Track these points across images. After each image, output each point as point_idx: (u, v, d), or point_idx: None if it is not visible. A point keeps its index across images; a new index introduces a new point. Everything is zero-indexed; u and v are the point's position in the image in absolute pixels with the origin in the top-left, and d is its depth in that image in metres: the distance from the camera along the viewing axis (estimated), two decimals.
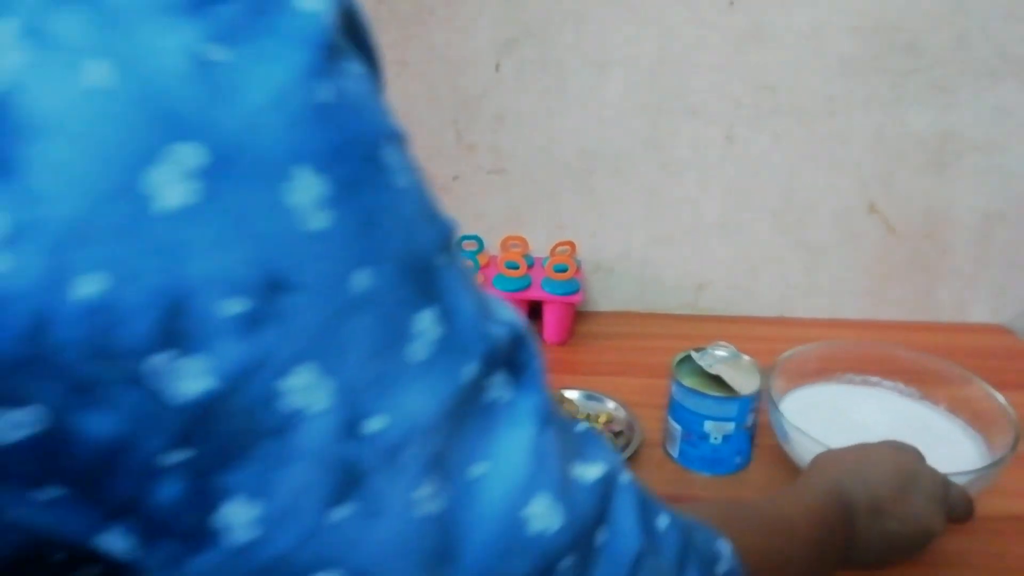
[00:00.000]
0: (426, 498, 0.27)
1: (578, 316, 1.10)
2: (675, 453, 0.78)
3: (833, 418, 0.77)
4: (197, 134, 0.22)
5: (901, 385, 0.82)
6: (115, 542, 0.26)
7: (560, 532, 0.29)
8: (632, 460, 0.78)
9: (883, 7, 0.93)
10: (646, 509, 0.34)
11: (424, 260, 0.27)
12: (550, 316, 1.03)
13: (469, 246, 1.10)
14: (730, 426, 0.74)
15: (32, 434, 0.23)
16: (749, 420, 0.75)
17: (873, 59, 0.96)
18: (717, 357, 0.77)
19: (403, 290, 0.26)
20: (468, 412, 0.28)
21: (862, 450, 0.59)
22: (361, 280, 0.25)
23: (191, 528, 0.25)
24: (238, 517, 0.25)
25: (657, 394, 0.86)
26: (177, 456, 0.24)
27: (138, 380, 0.23)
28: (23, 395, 0.22)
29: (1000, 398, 0.73)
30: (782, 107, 1.00)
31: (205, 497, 0.25)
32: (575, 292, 1.01)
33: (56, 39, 0.21)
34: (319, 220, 0.24)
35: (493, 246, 1.11)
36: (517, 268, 1.01)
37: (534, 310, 1.05)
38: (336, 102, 0.24)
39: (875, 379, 0.83)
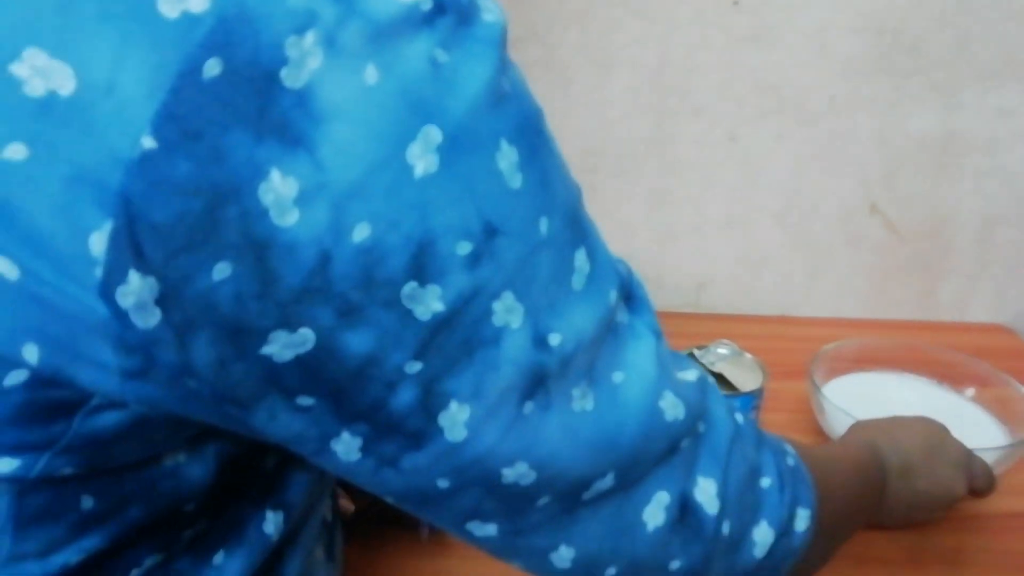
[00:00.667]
0: (579, 397, 0.33)
1: None
2: None
3: (870, 405, 0.79)
4: (437, 118, 0.28)
5: (932, 378, 0.87)
6: (342, 449, 0.31)
7: (684, 420, 0.37)
8: None
9: (886, 8, 0.94)
10: (729, 405, 0.42)
11: (575, 209, 0.34)
12: None
13: None
14: None
15: (302, 353, 0.28)
16: (751, 417, 0.75)
17: (876, 60, 0.96)
18: (719, 355, 0.77)
19: (567, 233, 0.33)
20: (608, 330, 0.35)
21: (894, 419, 0.65)
22: (543, 226, 0.31)
23: (416, 429, 0.31)
24: (456, 417, 0.31)
25: None
26: (414, 367, 0.30)
27: (392, 304, 0.28)
28: (302, 319, 0.27)
29: None
30: (785, 107, 1.00)
31: (432, 401, 0.30)
32: None
33: (344, 47, 0.26)
34: (516, 180, 0.30)
35: None
36: None
37: None
38: (512, 90, 0.31)
39: (907, 371, 0.88)
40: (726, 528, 0.39)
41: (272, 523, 0.39)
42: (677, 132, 1.03)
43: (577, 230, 0.34)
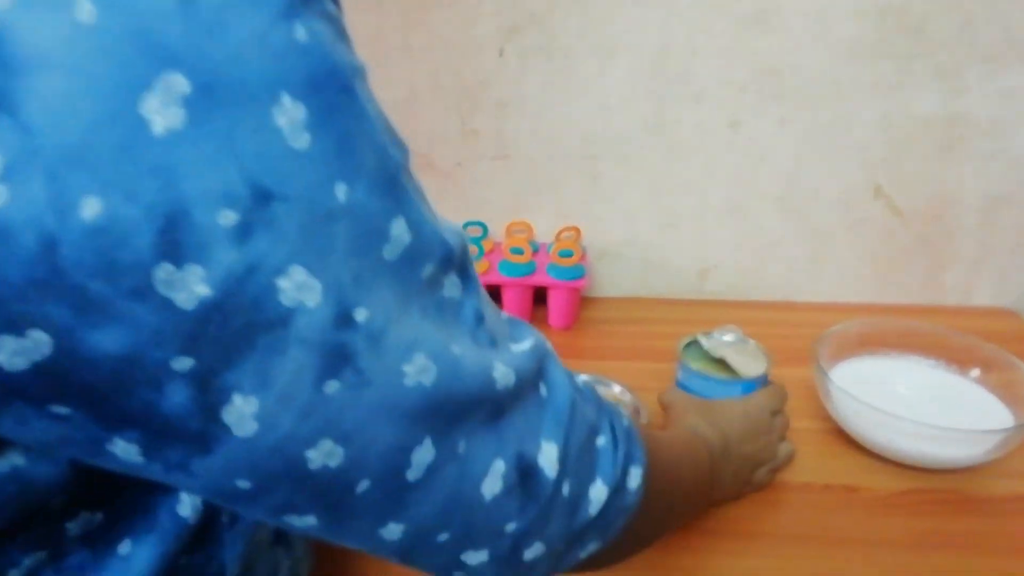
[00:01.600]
0: (415, 372, 0.31)
1: (583, 301, 1.10)
2: None
3: (876, 388, 0.79)
4: (185, 65, 0.24)
5: (937, 361, 0.87)
6: (121, 452, 0.28)
7: (515, 385, 0.36)
8: None
9: None
10: (568, 371, 0.42)
11: (394, 177, 0.31)
12: (555, 302, 1.03)
13: (473, 232, 1.10)
14: None
15: (40, 360, 0.24)
16: None
17: (879, 43, 0.96)
18: (723, 341, 0.77)
19: (379, 202, 0.30)
20: (430, 304, 0.33)
21: (707, 402, 0.71)
22: (340, 192, 0.28)
23: (198, 432, 0.27)
24: (242, 411, 0.27)
25: (663, 378, 0.86)
26: (183, 363, 0.26)
27: (143, 293, 0.24)
28: (30, 321, 0.23)
29: None
30: (787, 91, 0.99)
31: (210, 399, 0.27)
32: (580, 277, 1.01)
33: None
34: (302, 140, 0.27)
35: (497, 232, 1.11)
36: (522, 254, 1.01)
37: (539, 296, 1.05)
38: (310, 40, 0.27)
39: (913, 354, 0.88)
40: (566, 489, 0.38)
41: (188, 505, 0.36)
42: (678, 118, 1.02)
43: (394, 198, 0.31)
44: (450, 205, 1.10)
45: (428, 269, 0.33)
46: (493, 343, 0.37)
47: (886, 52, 0.96)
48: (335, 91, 0.28)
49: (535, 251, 1.07)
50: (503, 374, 0.36)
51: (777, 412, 0.72)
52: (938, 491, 0.73)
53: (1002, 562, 0.65)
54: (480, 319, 0.36)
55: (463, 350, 0.34)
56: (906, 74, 0.97)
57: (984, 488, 0.73)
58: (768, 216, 1.08)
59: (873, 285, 1.11)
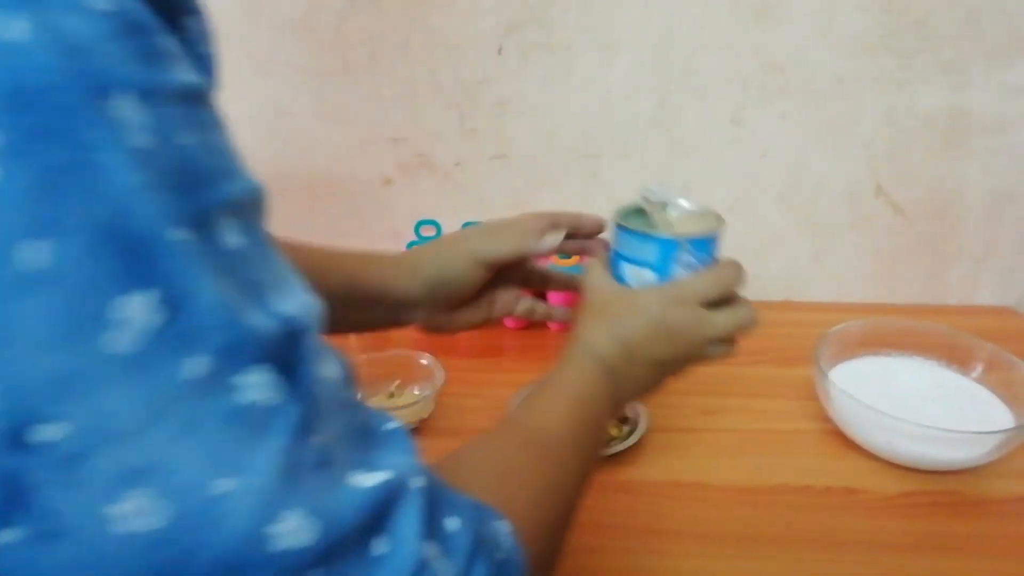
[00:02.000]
0: (130, 514, 0.23)
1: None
2: None
3: (877, 389, 0.79)
4: None
5: (939, 360, 0.87)
6: None
7: (311, 547, 0.26)
8: (638, 446, 0.78)
9: None
10: (436, 513, 0.33)
11: (141, 235, 0.23)
12: (555, 302, 1.02)
13: None
14: (648, 275, 0.58)
15: None
16: (674, 274, 0.58)
17: (882, 38, 0.95)
18: (666, 198, 0.61)
19: (100, 268, 0.22)
20: (203, 416, 0.24)
21: (611, 304, 0.58)
22: (33, 253, 0.21)
23: None
24: None
25: None
26: None
27: None
28: None
29: None
30: (790, 87, 0.99)
31: None
32: None
33: None
34: None
35: None
36: None
37: (539, 296, 1.04)
38: (29, 40, 0.21)
39: (914, 354, 0.88)
40: None
41: None
42: (680, 113, 1.02)
43: (134, 265, 0.23)
44: (449, 205, 1.10)
45: (198, 364, 0.24)
46: (323, 466, 0.28)
47: (890, 47, 0.95)
48: (51, 110, 0.21)
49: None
50: (295, 528, 0.26)
51: (715, 302, 0.56)
52: (939, 493, 0.72)
53: (1003, 564, 0.65)
54: (306, 431, 0.27)
55: (244, 483, 0.25)
56: (910, 69, 0.96)
57: (985, 489, 0.72)
58: (770, 212, 1.07)
59: (875, 283, 1.10)
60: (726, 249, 1.09)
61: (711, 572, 0.64)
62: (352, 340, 1.04)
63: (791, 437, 0.81)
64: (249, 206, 0.28)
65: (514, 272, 0.67)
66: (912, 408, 0.71)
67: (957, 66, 0.95)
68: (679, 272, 0.58)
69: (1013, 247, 1.05)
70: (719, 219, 0.60)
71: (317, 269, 0.58)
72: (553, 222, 0.62)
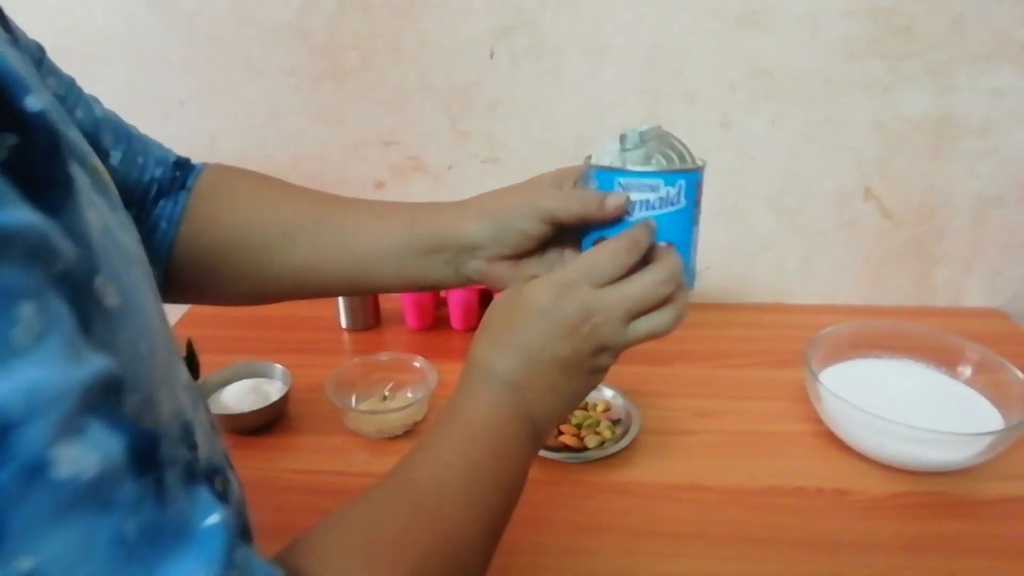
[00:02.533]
0: None
1: None
2: None
3: (867, 391, 0.79)
4: None
5: (928, 363, 0.87)
6: None
7: None
8: (631, 448, 0.78)
9: None
10: None
11: None
12: None
13: None
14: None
15: None
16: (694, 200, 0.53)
17: (869, 43, 0.95)
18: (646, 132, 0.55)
19: None
20: None
21: (509, 306, 0.51)
22: None
23: None
24: None
25: (656, 382, 0.86)
26: None
27: None
28: None
29: (1019, 374, 0.78)
30: (778, 92, 0.99)
31: None
32: None
33: None
34: None
35: None
36: None
37: None
38: None
39: (903, 356, 0.88)
40: None
41: None
42: (670, 118, 1.02)
43: None
44: None
45: None
46: None
47: (877, 52, 0.96)
48: None
49: None
50: None
51: (609, 279, 0.49)
52: (929, 494, 0.73)
53: (992, 564, 0.65)
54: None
55: None
56: (897, 74, 0.97)
57: (974, 491, 0.73)
58: (760, 217, 1.07)
59: (864, 286, 1.11)
60: (719, 252, 1.10)
61: (704, 574, 0.65)
62: (346, 343, 1.04)
63: (782, 439, 0.81)
64: None
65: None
66: (902, 410, 0.72)
67: (943, 71, 0.96)
68: (695, 193, 0.53)
69: (1000, 249, 1.07)
70: (688, 160, 0.54)
71: (372, 216, 0.57)
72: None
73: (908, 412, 0.71)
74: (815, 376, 0.78)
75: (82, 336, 0.27)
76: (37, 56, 0.52)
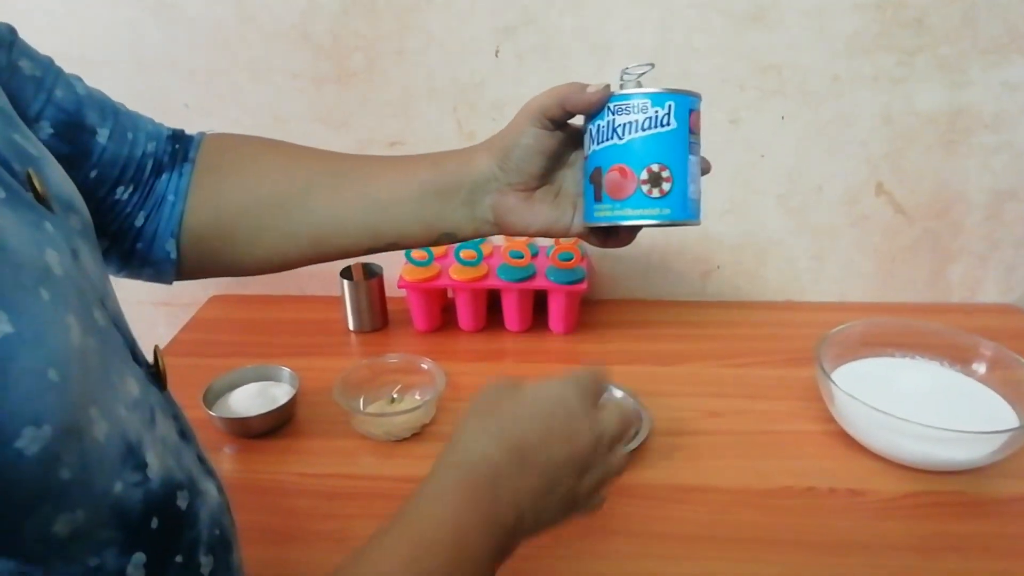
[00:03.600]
0: None
1: (584, 305, 1.09)
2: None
3: (880, 390, 0.77)
4: None
5: (941, 360, 0.86)
6: None
7: None
8: (641, 449, 0.77)
9: None
10: None
11: None
12: (556, 305, 1.02)
13: None
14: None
15: None
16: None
17: (878, 37, 0.94)
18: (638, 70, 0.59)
19: None
20: None
21: (513, 396, 0.50)
22: None
23: None
24: None
25: (666, 382, 0.85)
26: None
27: None
28: None
29: None
30: (787, 88, 0.98)
31: None
32: (580, 281, 1.00)
33: None
34: None
35: (496, 236, 1.10)
36: (521, 257, 1.00)
37: (540, 300, 1.04)
38: None
39: (916, 353, 0.87)
40: None
41: None
42: None
43: None
44: None
45: None
46: None
47: (886, 46, 0.95)
48: None
49: (534, 255, 1.06)
50: None
51: (597, 411, 0.50)
52: (943, 493, 0.72)
53: (1009, 564, 0.64)
54: None
55: None
56: (907, 68, 0.96)
57: (989, 490, 0.72)
58: (769, 214, 1.06)
59: (877, 283, 1.10)
60: (729, 250, 1.09)
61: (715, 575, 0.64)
62: (353, 345, 1.03)
63: (794, 439, 0.80)
64: None
65: None
66: (916, 408, 0.70)
67: (955, 64, 0.95)
68: (691, 117, 0.57)
69: (1015, 244, 1.05)
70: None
71: (385, 166, 0.58)
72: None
73: (922, 410, 0.70)
74: (827, 375, 0.77)
75: None
76: (7, 40, 0.51)
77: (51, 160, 0.42)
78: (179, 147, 0.58)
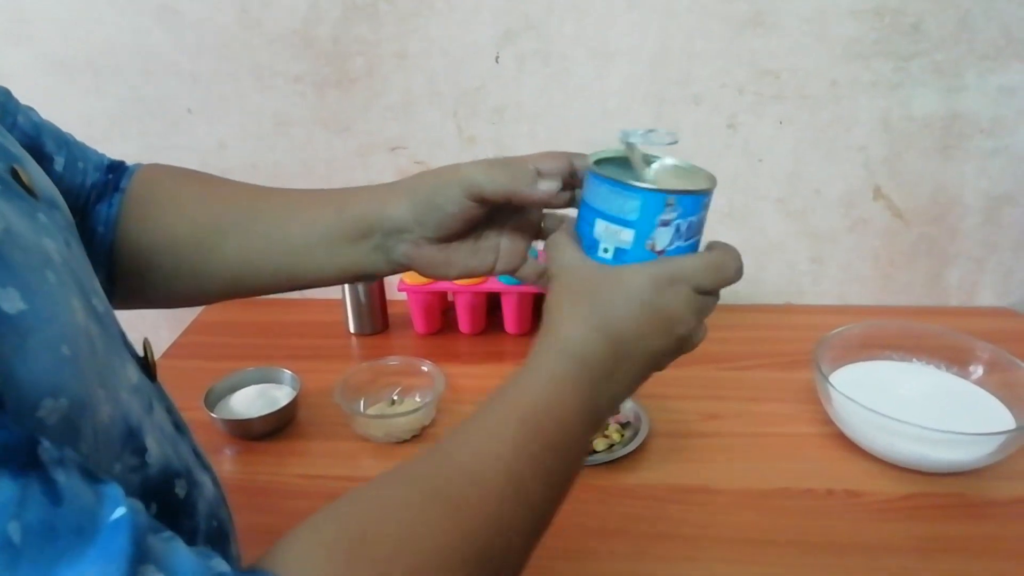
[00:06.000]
0: None
1: None
2: None
3: (878, 392, 0.77)
4: None
5: (939, 363, 0.87)
6: None
7: None
8: (640, 451, 0.78)
9: None
10: None
11: None
12: None
13: None
14: (627, 235, 0.47)
15: None
16: (658, 237, 0.47)
17: (876, 42, 0.95)
18: (650, 138, 0.50)
19: None
20: None
21: (606, 285, 0.47)
22: None
23: None
24: None
25: (665, 384, 0.85)
26: None
27: None
28: None
29: None
30: (785, 93, 0.99)
31: None
32: None
33: None
34: None
35: None
36: None
37: (539, 302, 1.04)
38: None
39: (914, 356, 0.88)
40: None
41: None
42: (677, 120, 1.02)
43: None
44: None
45: None
46: None
47: (883, 52, 0.96)
48: None
49: (535, 259, 1.06)
50: None
51: (709, 291, 0.48)
52: (941, 495, 0.72)
53: (1006, 565, 0.65)
54: None
55: None
56: (904, 74, 0.96)
57: (987, 491, 0.72)
58: (768, 218, 1.07)
59: (875, 286, 1.10)
60: None
61: None
62: (354, 348, 1.04)
63: (793, 441, 0.81)
64: None
65: (522, 222, 0.56)
66: (913, 410, 0.71)
67: (951, 69, 0.96)
68: (660, 234, 0.48)
69: (1012, 248, 1.06)
70: (711, 178, 0.50)
71: (300, 206, 0.55)
72: (556, 163, 0.52)
73: (919, 412, 0.71)
74: (825, 377, 0.78)
75: None
76: None
77: (31, 161, 0.42)
78: (112, 177, 0.57)
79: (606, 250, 0.49)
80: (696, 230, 0.49)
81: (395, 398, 0.88)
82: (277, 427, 0.84)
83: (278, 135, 1.07)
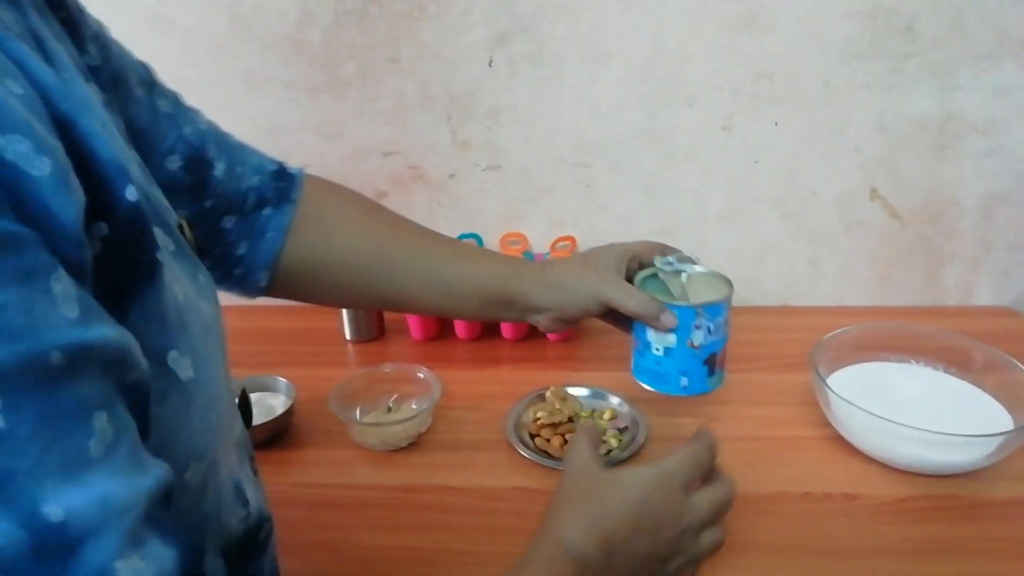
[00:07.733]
0: None
1: None
2: (632, 366, 0.70)
3: (876, 394, 0.77)
4: None
5: (936, 364, 0.86)
6: None
7: None
8: (637, 456, 0.78)
9: None
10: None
11: None
12: None
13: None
14: (672, 339, 0.64)
15: None
16: (695, 337, 0.64)
17: (870, 43, 0.95)
18: (680, 265, 0.69)
19: None
20: None
21: (592, 498, 0.52)
22: None
23: None
24: None
25: None
26: None
27: None
28: None
29: None
30: (780, 94, 0.99)
31: None
32: None
33: None
34: None
35: (493, 243, 1.10)
36: None
37: None
38: None
39: (911, 357, 0.88)
40: None
41: None
42: (672, 123, 1.02)
43: None
44: (443, 217, 1.10)
45: None
46: None
47: (878, 53, 0.95)
48: None
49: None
50: None
51: (695, 486, 0.54)
52: (939, 497, 0.72)
53: (1004, 567, 0.64)
54: None
55: None
56: (899, 74, 0.96)
57: (984, 493, 0.72)
58: (765, 220, 1.07)
59: (873, 287, 1.10)
60: (724, 256, 1.09)
61: None
62: (350, 355, 1.03)
63: (790, 444, 0.81)
64: (18, 373, 0.24)
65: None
66: (911, 412, 0.71)
67: (945, 69, 0.96)
68: (696, 335, 0.64)
69: (1008, 247, 1.06)
70: (729, 284, 0.67)
71: (467, 265, 0.67)
72: (651, 251, 0.68)
73: (917, 414, 0.70)
74: (823, 379, 0.78)
75: (140, 443, 0.28)
76: (147, 80, 0.56)
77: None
78: (283, 185, 0.63)
79: (658, 349, 0.66)
80: (723, 326, 0.66)
81: (391, 405, 0.87)
82: (272, 435, 0.84)
83: (270, 141, 1.05)
